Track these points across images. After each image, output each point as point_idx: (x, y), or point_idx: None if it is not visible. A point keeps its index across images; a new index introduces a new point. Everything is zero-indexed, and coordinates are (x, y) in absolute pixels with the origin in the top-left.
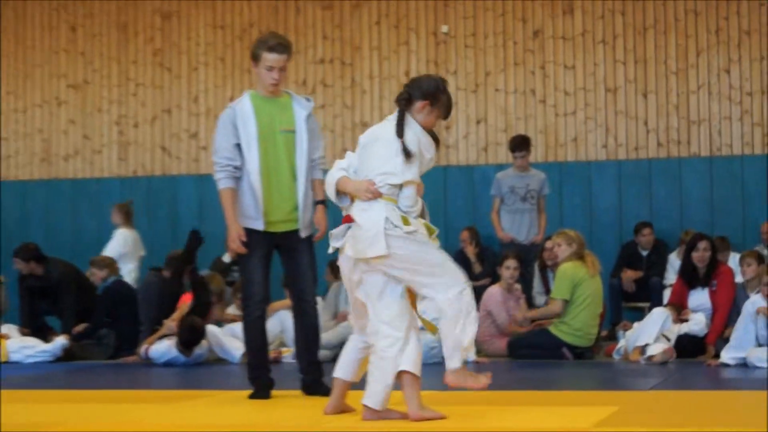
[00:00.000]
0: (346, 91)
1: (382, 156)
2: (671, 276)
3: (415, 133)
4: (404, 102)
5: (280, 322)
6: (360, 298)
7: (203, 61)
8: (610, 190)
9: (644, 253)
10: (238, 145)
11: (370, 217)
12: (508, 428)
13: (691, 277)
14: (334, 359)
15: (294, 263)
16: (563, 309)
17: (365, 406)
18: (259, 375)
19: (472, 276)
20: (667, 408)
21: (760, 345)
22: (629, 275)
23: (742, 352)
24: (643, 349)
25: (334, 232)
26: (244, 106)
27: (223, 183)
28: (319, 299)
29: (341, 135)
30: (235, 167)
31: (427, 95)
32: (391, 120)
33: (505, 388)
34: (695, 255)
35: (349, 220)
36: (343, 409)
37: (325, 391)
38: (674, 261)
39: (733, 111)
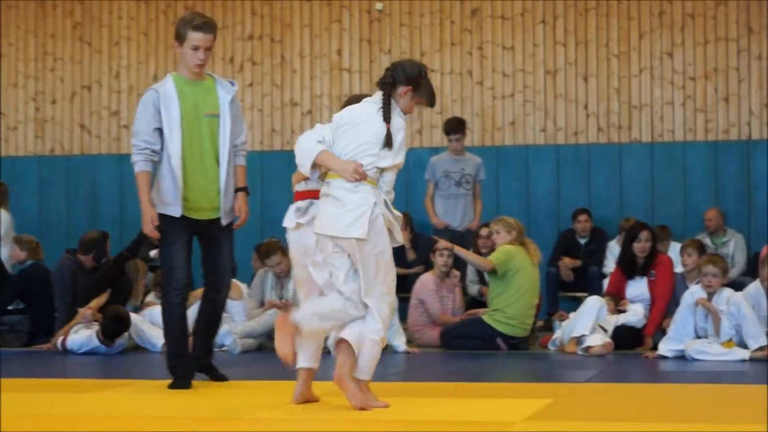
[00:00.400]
0: (276, 69)
1: (370, 139)
2: (610, 265)
3: (401, 118)
4: (389, 86)
5: None
6: (314, 277)
7: (125, 36)
8: (549, 175)
9: (582, 241)
10: (160, 130)
11: (359, 198)
12: (439, 420)
13: (629, 267)
14: (259, 348)
15: (213, 251)
16: (490, 270)
17: (361, 380)
18: (179, 364)
19: (404, 263)
20: (603, 401)
21: (699, 337)
22: (567, 263)
23: (680, 344)
24: (579, 340)
25: (298, 205)
26: (168, 88)
27: (139, 166)
28: (244, 287)
29: (270, 115)
30: (153, 151)
31: (410, 80)
32: (374, 103)
33: (437, 379)
34: (636, 245)
35: (310, 196)
36: (309, 398)
37: (215, 376)
38: (614, 249)
39: (675, 96)
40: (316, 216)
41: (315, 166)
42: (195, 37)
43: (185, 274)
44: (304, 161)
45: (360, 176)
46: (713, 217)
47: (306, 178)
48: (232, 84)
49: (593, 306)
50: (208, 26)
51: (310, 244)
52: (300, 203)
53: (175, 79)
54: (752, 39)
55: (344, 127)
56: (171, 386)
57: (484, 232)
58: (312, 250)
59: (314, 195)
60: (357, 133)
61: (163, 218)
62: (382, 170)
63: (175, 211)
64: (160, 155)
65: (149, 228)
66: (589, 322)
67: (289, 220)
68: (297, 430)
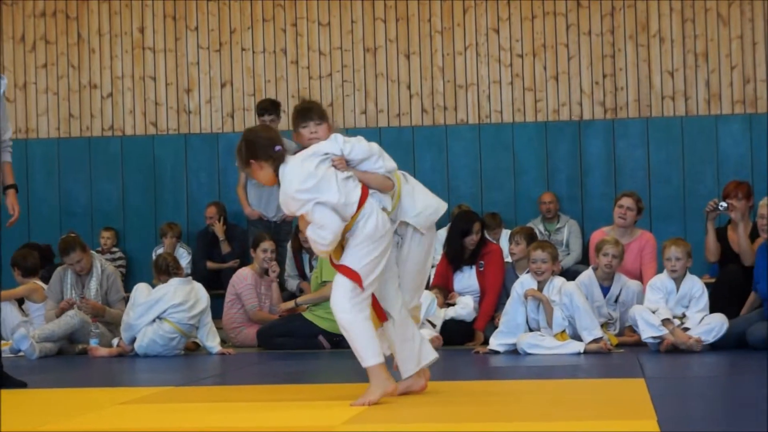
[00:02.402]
0: (72, 48)
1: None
2: (436, 255)
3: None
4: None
5: None
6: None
7: None
8: None
9: None
10: None
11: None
12: (254, 428)
13: (456, 257)
14: (59, 353)
15: None
16: None
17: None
18: None
19: (218, 257)
20: (431, 401)
21: (531, 329)
22: None
23: (512, 337)
24: None
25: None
26: None
27: None
28: (44, 285)
29: (66, 98)
30: None
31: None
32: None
33: (253, 382)
34: (468, 239)
35: None
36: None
37: (8, 384)
38: (440, 238)
39: (502, 74)
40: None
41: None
42: None
43: None
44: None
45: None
46: (549, 200)
47: None
48: (1, 77)
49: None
50: None
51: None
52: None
53: None
54: (581, 13)
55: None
56: None
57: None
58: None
59: None
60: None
61: None
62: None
63: None
64: None
65: None
66: None
67: None
68: None
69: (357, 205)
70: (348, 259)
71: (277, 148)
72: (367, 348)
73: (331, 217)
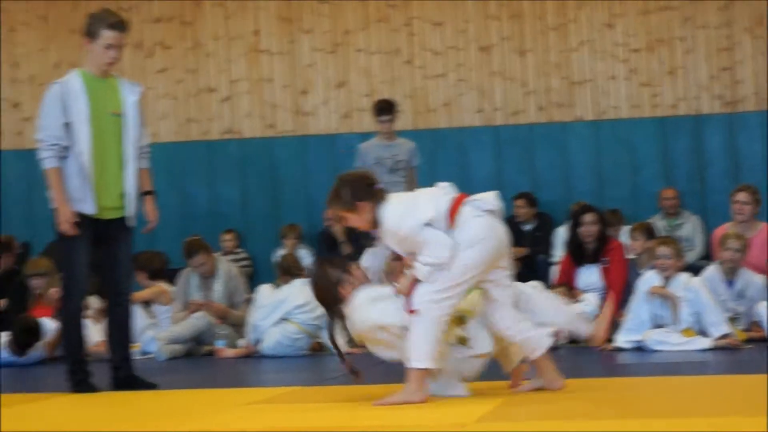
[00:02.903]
0: (189, 53)
1: None
2: (559, 253)
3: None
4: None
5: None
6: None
7: (22, 21)
8: (488, 159)
9: (527, 228)
10: (67, 125)
11: None
12: (384, 426)
13: (578, 254)
14: (187, 354)
15: (113, 254)
16: None
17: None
18: (77, 368)
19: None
20: (561, 397)
21: (658, 326)
22: (513, 253)
23: (637, 334)
24: None
25: None
26: (74, 83)
27: (49, 163)
28: (170, 287)
29: (185, 102)
30: (63, 147)
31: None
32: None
33: (380, 381)
34: (582, 230)
35: None
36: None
37: (139, 385)
38: (562, 236)
39: (618, 70)
40: None
41: None
42: (109, 35)
43: (87, 280)
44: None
45: None
46: (670, 196)
47: None
48: (138, 86)
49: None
50: (122, 25)
51: None
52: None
53: (82, 75)
54: (697, 7)
55: None
56: (73, 391)
57: None
58: None
59: None
60: None
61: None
62: None
63: (88, 208)
64: (67, 151)
65: (67, 226)
66: None
67: None
68: None
69: (449, 216)
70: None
71: (379, 185)
72: (422, 348)
73: (437, 231)
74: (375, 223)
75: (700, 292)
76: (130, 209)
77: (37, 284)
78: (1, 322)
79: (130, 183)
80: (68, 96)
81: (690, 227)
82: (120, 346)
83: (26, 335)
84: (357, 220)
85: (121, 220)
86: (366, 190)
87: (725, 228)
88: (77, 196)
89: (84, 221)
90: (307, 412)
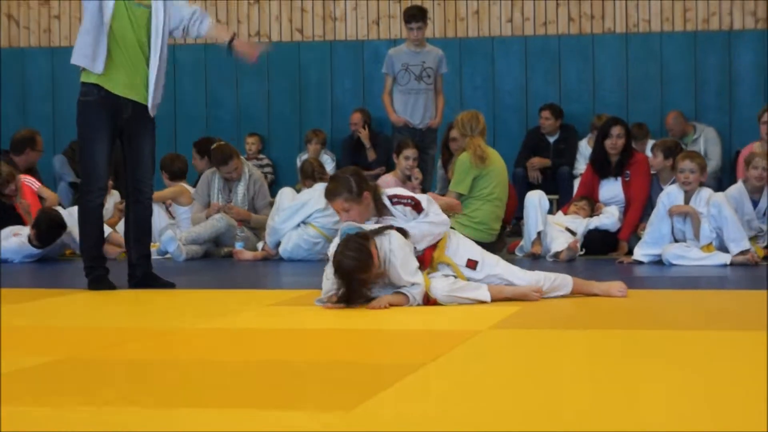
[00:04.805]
0: None
1: None
2: (582, 165)
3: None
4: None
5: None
6: None
7: None
8: (516, 69)
9: (552, 139)
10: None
11: None
12: (400, 328)
13: (602, 166)
14: (205, 255)
15: (135, 149)
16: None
17: None
18: (95, 264)
19: (364, 164)
20: (574, 307)
21: (676, 240)
22: (535, 164)
23: (657, 248)
24: (540, 240)
25: None
26: None
27: None
28: (191, 188)
29: (214, 3)
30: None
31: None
32: None
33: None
34: (608, 142)
35: None
36: None
37: (157, 283)
38: (585, 149)
39: None
40: None
41: None
42: None
43: (107, 173)
44: None
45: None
46: (673, 122)
47: None
48: None
49: (532, 201)
50: None
51: None
52: None
53: None
54: None
55: None
56: (90, 287)
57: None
58: None
59: None
60: None
61: (86, 107)
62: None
63: (97, 67)
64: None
65: None
66: (536, 218)
67: None
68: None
69: None
70: None
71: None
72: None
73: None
74: (375, 212)
75: (723, 207)
76: (153, 100)
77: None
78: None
79: (154, 73)
80: None
81: (704, 140)
82: (139, 243)
83: (49, 230)
84: (358, 212)
85: (144, 110)
86: (367, 182)
87: (752, 147)
88: (86, 52)
89: (103, 114)
90: (324, 313)
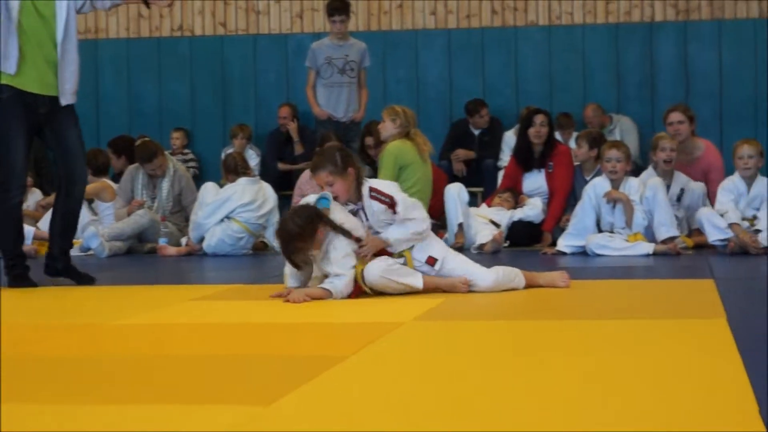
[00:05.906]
0: None
1: None
2: (506, 157)
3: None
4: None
5: None
6: None
7: None
8: (440, 62)
9: (477, 132)
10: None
11: None
12: (327, 321)
13: (525, 158)
14: (129, 251)
15: (60, 142)
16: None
17: None
18: (17, 263)
19: (290, 158)
20: (497, 299)
21: (601, 231)
22: (459, 155)
23: (580, 239)
24: (462, 232)
25: None
26: None
27: None
28: (114, 184)
29: None
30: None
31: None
32: None
33: None
34: (532, 130)
35: None
36: None
37: (77, 277)
38: (510, 140)
39: None
40: None
41: None
42: None
43: (26, 171)
44: None
45: None
46: (592, 114)
47: None
48: None
49: (451, 194)
50: None
51: None
52: None
53: None
54: None
55: None
56: (11, 285)
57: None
58: None
59: None
60: None
61: (0, 107)
62: None
63: (9, 67)
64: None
65: None
66: (456, 210)
67: None
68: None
69: None
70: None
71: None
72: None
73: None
74: (354, 193)
75: (658, 190)
76: (62, 85)
77: None
78: None
79: (59, 56)
80: None
81: (619, 130)
82: (62, 237)
83: None
84: (342, 187)
85: (57, 100)
86: (353, 160)
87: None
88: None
89: (19, 108)
90: (247, 307)
